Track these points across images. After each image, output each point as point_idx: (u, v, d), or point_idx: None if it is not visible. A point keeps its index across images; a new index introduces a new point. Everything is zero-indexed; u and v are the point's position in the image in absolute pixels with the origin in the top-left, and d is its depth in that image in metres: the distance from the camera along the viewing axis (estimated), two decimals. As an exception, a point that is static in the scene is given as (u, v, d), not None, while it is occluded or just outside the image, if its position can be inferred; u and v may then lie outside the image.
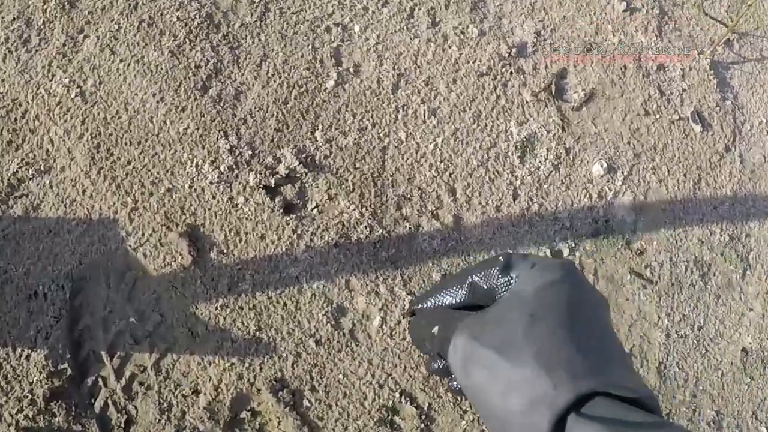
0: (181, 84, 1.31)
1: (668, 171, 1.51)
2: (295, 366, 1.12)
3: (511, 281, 0.51)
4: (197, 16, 1.38)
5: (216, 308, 1.14)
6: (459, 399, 1.16)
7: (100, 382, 1.13)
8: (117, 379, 1.12)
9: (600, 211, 1.41)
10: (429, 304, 0.56)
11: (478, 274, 0.52)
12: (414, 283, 1.21)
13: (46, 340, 1.14)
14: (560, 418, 0.41)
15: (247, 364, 1.12)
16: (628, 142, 1.50)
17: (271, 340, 1.14)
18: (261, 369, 1.12)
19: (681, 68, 1.68)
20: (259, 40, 1.38)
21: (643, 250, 1.39)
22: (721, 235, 1.46)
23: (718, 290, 1.40)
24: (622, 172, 1.46)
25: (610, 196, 1.43)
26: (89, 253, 1.18)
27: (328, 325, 1.15)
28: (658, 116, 1.58)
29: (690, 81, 1.67)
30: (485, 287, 0.52)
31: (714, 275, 1.41)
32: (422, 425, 1.12)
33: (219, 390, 1.10)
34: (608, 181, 1.44)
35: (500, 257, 0.52)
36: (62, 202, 1.22)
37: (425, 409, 1.13)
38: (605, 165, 1.45)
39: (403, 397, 1.12)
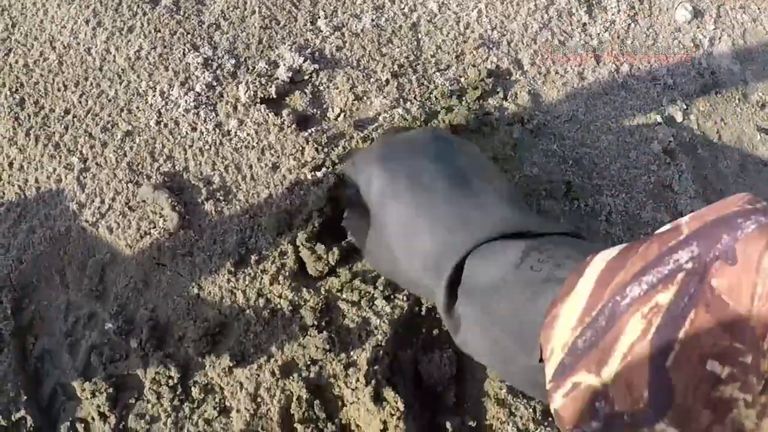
0: (121, 1, 0.94)
1: (758, 8, 1.15)
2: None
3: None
4: None
5: (229, 281, 0.76)
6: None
7: (80, 428, 0.74)
8: (103, 418, 0.73)
9: (702, 62, 1.05)
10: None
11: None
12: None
13: (-12, 380, 0.75)
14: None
15: (286, 355, 0.73)
16: (707, -19, 1.15)
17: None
18: (311, 358, 0.73)
19: None
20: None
21: (764, 102, 1.03)
22: None
23: None
24: (710, 15, 1.10)
25: (707, 44, 1.07)
26: (31, 246, 0.80)
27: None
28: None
29: None
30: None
31: None
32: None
33: (259, 400, 0.71)
34: (698, 27, 1.08)
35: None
36: (-15, 186, 0.84)
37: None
38: (690, 8, 1.09)
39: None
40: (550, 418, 0.71)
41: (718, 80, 1.05)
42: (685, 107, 1.00)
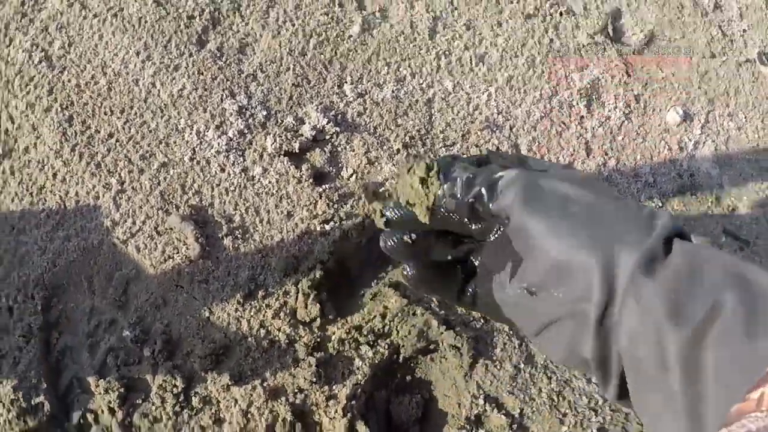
0: (171, 39, 1.05)
1: (745, 118, 1.29)
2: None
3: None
4: (185, -37, 1.12)
5: (235, 307, 0.88)
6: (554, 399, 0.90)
7: (90, 418, 0.85)
8: (111, 412, 0.85)
9: (683, 163, 1.18)
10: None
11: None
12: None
13: (13, 367, 0.86)
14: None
15: (275, 385, 0.85)
16: (699, 87, 1.28)
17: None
18: (299, 388, 0.85)
19: (738, 6, 1.47)
20: (263, -14, 1.13)
21: (734, 207, 1.17)
22: (816, 190, 1.23)
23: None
24: (699, 120, 1.24)
25: (691, 147, 1.20)
26: (65, 252, 0.91)
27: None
28: (724, 58, 1.36)
29: (749, 20, 1.45)
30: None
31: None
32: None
33: (248, 416, 0.83)
34: (686, 130, 1.22)
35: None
36: (27, 190, 0.95)
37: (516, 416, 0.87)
38: (681, 112, 1.23)
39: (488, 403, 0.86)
40: (493, 467, 0.84)
41: (696, 182, 1.17)
42: (661, 205, 1.12)
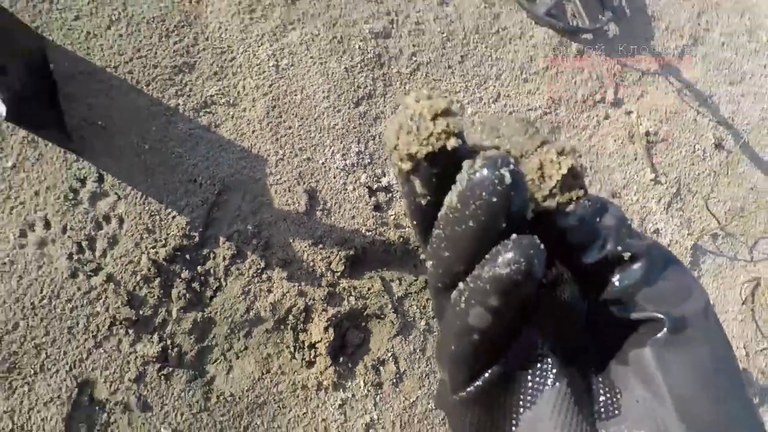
0: (343, 93, 1.85)
1: None
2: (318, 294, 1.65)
3: None
4: (372, 52, 1.93)
5: (306, 246, 1.68)
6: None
7: (212, 256, 1.65)
8: (223, 258, 1.65)
9: None
10: None
11: None
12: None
13: (190, 212, 1.66)
14: None
15: (304, 290, 1.65)
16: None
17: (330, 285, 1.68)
18: (314, 298, 1.66)
19: (670, 239, 2.24)
20: (405, 88, 1.93)
21: None
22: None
23: None
24: None
25: None
26: (240, 173, 1.71)
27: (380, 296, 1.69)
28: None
29: (672, 251, 2.22)
30: None
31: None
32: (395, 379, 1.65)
33: (284, 296, 1.64)
34: None
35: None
36: (236, 130, 1.75)
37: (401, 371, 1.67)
38: None
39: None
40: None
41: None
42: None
